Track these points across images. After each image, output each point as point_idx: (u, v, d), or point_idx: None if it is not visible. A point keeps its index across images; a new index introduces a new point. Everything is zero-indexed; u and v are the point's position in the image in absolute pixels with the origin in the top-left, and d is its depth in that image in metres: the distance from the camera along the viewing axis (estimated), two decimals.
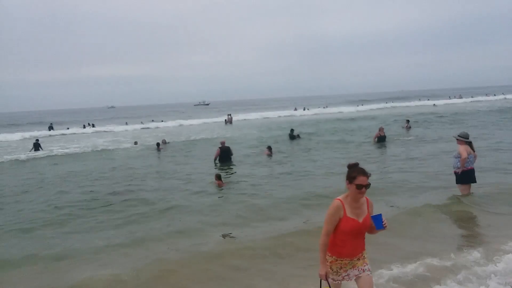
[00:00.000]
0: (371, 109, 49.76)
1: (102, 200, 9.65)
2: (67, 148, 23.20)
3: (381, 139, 17.75)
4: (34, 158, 19.29)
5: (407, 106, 51.43)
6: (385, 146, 16.89)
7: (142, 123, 44.48)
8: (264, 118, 42.06)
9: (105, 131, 37.25)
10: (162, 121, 49.17)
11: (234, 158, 15.19)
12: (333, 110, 51.93)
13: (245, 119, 43.43)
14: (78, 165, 15.96)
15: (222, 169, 13.37)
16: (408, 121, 23.55)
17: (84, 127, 43.91)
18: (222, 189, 10.36)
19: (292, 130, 21.76)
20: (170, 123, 42.76)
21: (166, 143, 19.59)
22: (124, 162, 16.27)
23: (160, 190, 10.65)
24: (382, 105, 56.97)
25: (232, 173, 12.93)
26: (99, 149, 21.66)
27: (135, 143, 21.54)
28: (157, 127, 38.86)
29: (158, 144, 18.86)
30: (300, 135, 21.32)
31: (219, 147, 15.13)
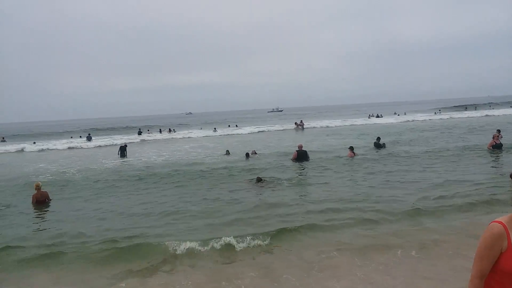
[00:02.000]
0: (451, 117, 47.17)
1: None
2: (161, 156, 22.68)
3: (497, 147, 16.46)
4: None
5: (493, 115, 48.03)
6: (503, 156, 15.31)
7: (215, 129, 47.01)
8: (338, 126, 41.76)
9: (189, 137, 38.73)
10: (236, 126, 51.80)
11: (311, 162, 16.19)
12: (410, 117, 49.75)
13: (316, 126, 43.88)
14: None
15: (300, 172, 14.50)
16: (499, 130, 20.10)
17: (170, 130, 47.99)
18: (262, 187, 11.86)
19: (378, 139, 20.70)
20: (247, 129, 44.50)
21: (255, 153, 19.35)
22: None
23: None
24: (465, 112, 54.19)
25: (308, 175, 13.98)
26: (198, 160, 19.48)
27: (227, 152, 20.93)
28: (233, 134, 40.48)
29: (247, 154, 18.94)
30: (386, 145, 20.11)
31: (296, 151, 16.90)
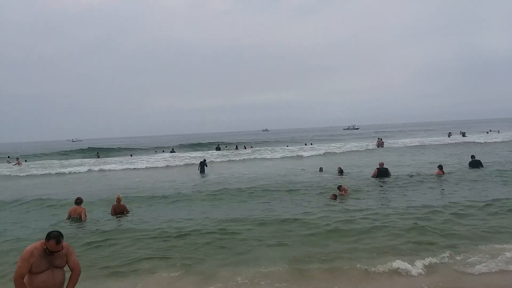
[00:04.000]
0: None
1: None
2: (241, 172, 22.77)
3: None
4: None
5: None
6: None
7: (287, 146, 47.40)
8: (417, 145, 39.55)
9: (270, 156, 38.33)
10: (311, 144, 51.55)
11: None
12: (500, 136, 45.46)
13: (396, 144, 42.08)
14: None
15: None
16: None
17: (245, 148, 49.22)
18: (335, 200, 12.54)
19: (473, 157, 19.32)
20: (321, 146, 44.25)
21: (342, 171, 19.14)
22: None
23: None
24: None
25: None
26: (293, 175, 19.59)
27: (320, 169, 20.71)
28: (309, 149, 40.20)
29: (341, 171, 18.97)
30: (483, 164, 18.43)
31: (377, 168, 16.66)
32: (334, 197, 12.90)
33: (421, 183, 15.05)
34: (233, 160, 31.93)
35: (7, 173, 28.73)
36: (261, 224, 9.81)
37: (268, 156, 33.75)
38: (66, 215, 11.44)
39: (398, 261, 6.80)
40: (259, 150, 41.15)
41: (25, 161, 43.55)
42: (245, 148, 48.19)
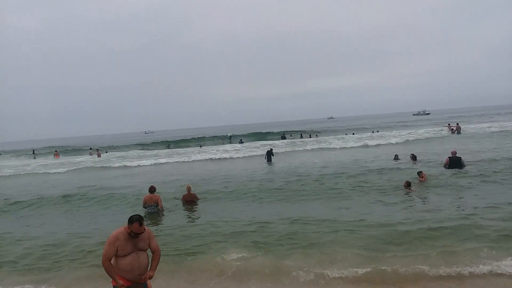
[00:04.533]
0: None
1: None
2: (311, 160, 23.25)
3: None
4: None
5: None
6: None
7: (353, 134, 46.11)
8: (502, 130, 35.73)
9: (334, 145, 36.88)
10: (377, 131, 49.77)
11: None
12: None
13: (474, 129, 38.96)
14: None
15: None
16: None
17: (310, 136, 48.83)
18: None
19: None
20: (390, 133, 42.49)
21: (415, 157, 18.58)
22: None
23: None
24: None
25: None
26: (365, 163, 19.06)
27: (396, 157, 19.98)
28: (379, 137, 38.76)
29: (414, 157, 18.58)
30: None
31: (449, 157, 15.72)
32: (407, 184, 12.42)
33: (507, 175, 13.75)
34: (299, 150, 31.61)
35: (91, 165, 31.12)
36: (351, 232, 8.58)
37: (335, 145, 32.84)
38: (142, 203, 12.12)
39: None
40: (326, 140, 40.38)
41: (106, 152, 47.16)
42: (310, 137, 47.82)
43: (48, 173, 27.48)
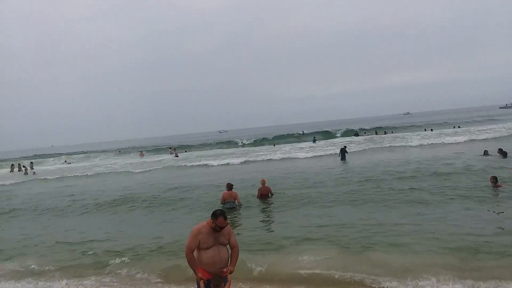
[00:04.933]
0: None
1: None
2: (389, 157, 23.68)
3: None
4: None
5: None
6: None
7: (431, 130, 43.68)
8: None
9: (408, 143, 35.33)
10: (459, 127, 46.62)
11: None
12: None
13: None
14: None
15: None
16: None
17: (385, 133, 47.27)
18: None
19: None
20: (473, 128, 39.40)
21: (504, 153, 17.67)
22: None
23: None
24: None
25: None
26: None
27: (485, 153, 19.14)
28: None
29: (503, 153, 17.63)
30: None
31: None
32: (494, 180, 11.69)
33: None
34: (375, 148, 30.55)
35: (170, 164, 33.10)
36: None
37: (414, 142, 31.04)
38: (220, 199, 12.76)
39: None
40: (404, 136, 38.56)
41: (185, 151, 49.96)
42: (385, 133, 46.30)
43: (132, 172, 29.48)
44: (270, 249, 8.26)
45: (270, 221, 10.67)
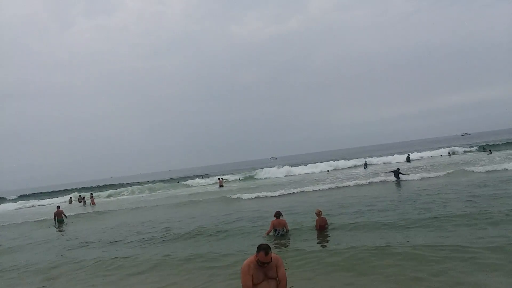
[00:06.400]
0: None
1: None
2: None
3: None
4: None
5: None
6: None
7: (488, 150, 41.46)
8: None
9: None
10: None
11: None
12: None
13: None
14: None
15: None
16: None
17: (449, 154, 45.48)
18: None
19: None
20: None
21: None
22: None
23: None
24: None
25: None
26: None
27: None
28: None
29: None
30: None
31: None
32: None
33: None
34: (431, 175, 27.92)
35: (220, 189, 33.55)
36: None
37: (477, 168, 27.74)
38: (269, 227, 12.87)
39: None
40: (468, 160, 36.89)
41: (239, 180, 50.51)
42: (450, 155, 44.77)
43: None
44: None
45: (325, 253, 10.52)
